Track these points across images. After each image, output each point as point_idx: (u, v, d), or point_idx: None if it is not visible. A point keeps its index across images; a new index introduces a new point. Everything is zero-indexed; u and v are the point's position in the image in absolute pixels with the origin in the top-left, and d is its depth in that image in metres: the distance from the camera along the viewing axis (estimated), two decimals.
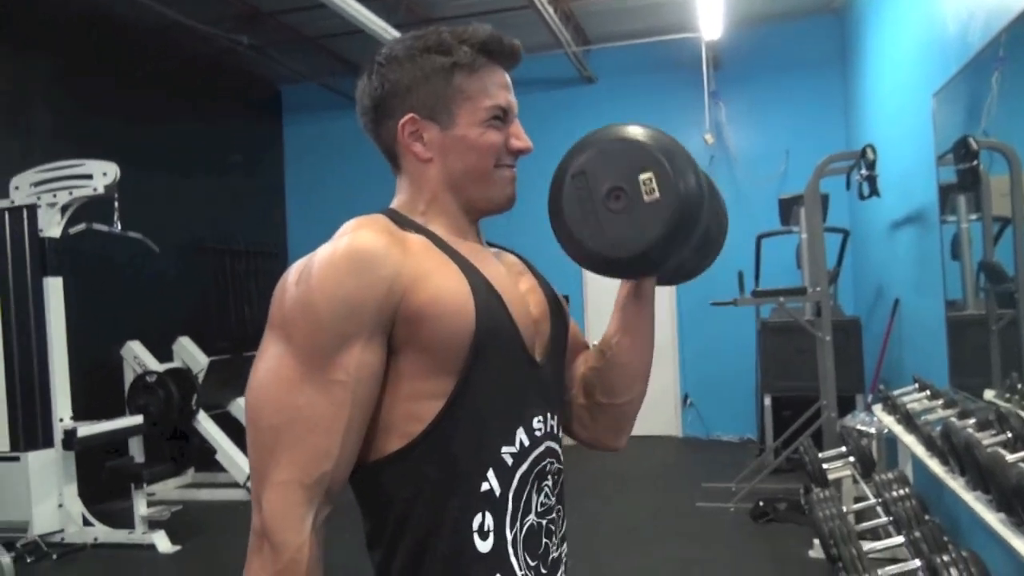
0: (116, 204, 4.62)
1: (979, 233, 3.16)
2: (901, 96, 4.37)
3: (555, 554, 0.97)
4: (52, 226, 4.51)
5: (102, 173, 4.46)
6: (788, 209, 5.49)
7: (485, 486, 0.89)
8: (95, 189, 4.47)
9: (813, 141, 6.23)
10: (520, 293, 1.00)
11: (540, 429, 0.95)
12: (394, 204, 1.01)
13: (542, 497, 0.95)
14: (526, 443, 0.93)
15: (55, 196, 4.50)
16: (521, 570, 0.91)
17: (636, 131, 0.96)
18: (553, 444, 0.98)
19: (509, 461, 0.91)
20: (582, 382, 1.09)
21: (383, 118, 0.98)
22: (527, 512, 0.93)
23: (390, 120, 0.97)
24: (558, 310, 1.05)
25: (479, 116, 0.96)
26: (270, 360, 0.86)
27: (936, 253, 3.59)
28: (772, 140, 6.68)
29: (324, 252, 0.87)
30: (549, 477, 0.96)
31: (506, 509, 0.90)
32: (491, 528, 0.89)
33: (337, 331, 0.84)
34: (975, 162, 2.94)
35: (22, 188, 4.53)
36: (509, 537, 0.90)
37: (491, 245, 1.08)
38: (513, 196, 1.02)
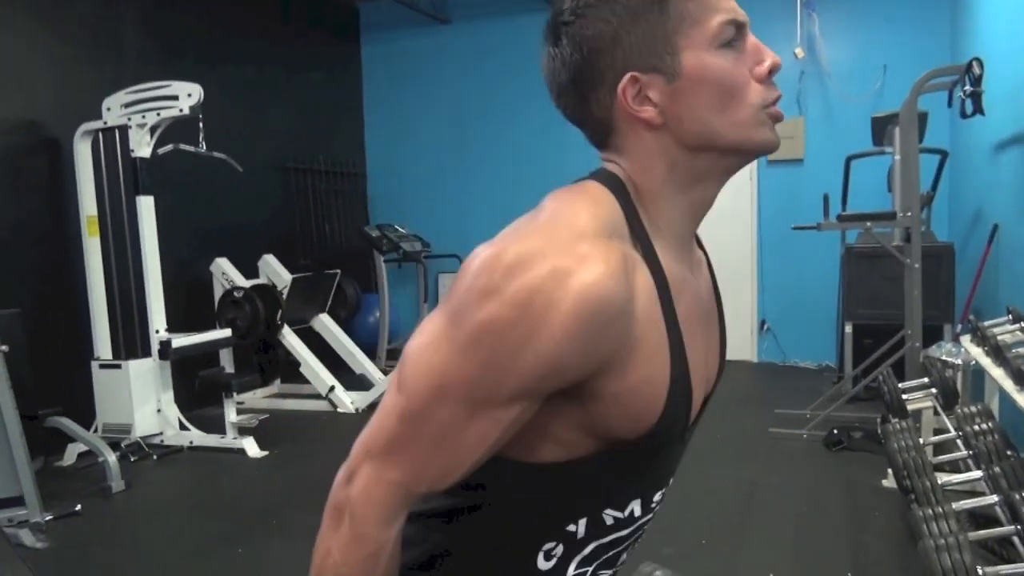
0: (201, 125, 4.74)
1: None
2: (1015, 5, 4.01)
3: None
4: (142, 146, 4.68)
5: (187, 94, 4.57)
6: (882, 128, 5.18)
7: (571, 527, 0.81)
8: (181, 110, 4.59)
9: (914, 55, 5.82)
10: (706, 362, 0.84)
11: (656, 501, 0.87)
12: (619, 172, 0.79)
13: (623, 556, 0.89)
14: (636, 514, 0.84)
15: (144, 117, 4.64)
16: None
17: None
18: (650, 517, 0.88)
19: (609, 521, 0.83)
20: None
21: (590, 90, 0.77)
22: (607, 567, 0.87)
23: (599, 89, 0.76)
24: (723, 351, 0.92)
25: (711, 38, 0.75)
26: (440, 350, 0.69)
27: None
28: (868, 54, 6.27)
29: (539, 268, 0.65)
30: (632, 545, 0.89)
31: (582, 550, 0.83)
32: (558, 555, 0.82)
33: (524, 387, 0.68)
34: None
35: (113, 109, 4.69)
36: (571, 572, 0.84)
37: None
38: (778, 136, 0.81)
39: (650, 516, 0.87)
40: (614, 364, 0.69)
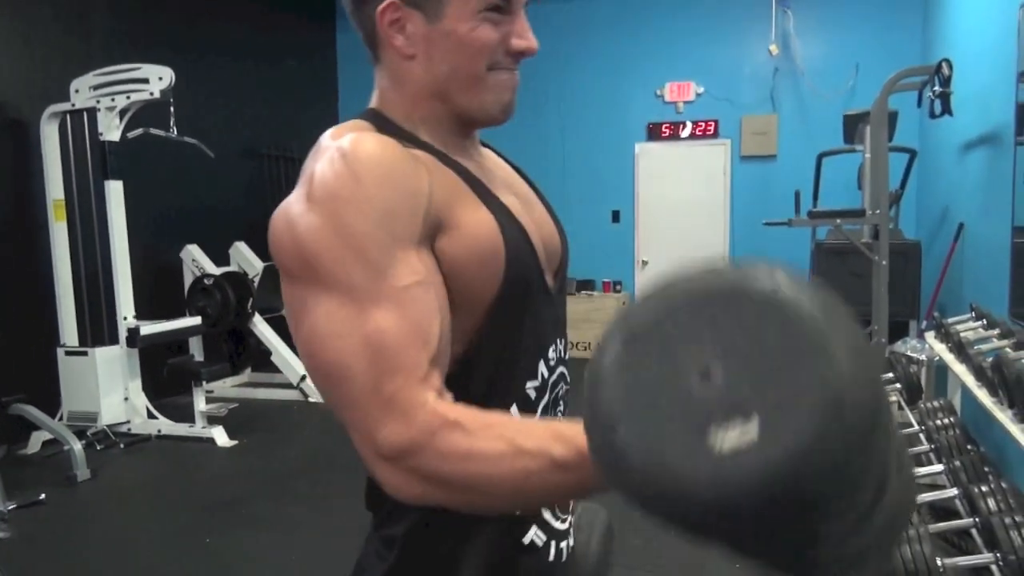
0: (172, 109, 4.67)
1: None
2: (985, 8, 4.08)
3: None
4: (111, 130, 4.60)
5: (158, 77, 4.50)
6: (853, 126, 5.25)
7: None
8: (151, 93, 4.51)
9: (885, 55, 5.90)
10: (532, 218, 0.89)
11: (554, 357, 0.90)
12: (374, 104, 0.87)
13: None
14: (546, 374, 0.88)
15: (113, 100, 4.56)
16: None
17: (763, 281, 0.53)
18: (564, 369, 0.93)
19: (533, 395, 0.86)
20: None
21: (364, 2, 0.83)
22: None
23: (368, 4, 0.82)
24: (563, 233, 0.97)
25: (472, 6, 0.79)
26: (316, 313, 0.71)
27: (1008, 176, 3.41)
28: (842, 52, 6.34)
29: (328, 166, 0.73)
30: (561, 401, 0.93)
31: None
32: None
33: (386, 237, 0.71)
34: None
35: (82, 91, 4.60)
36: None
37: (484, 146, 0.96)
38: (511, 105, 0.86)
39: (556, 375, 0.90)
40: (439, 211, 0.75)
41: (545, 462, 0.66)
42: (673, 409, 0.50)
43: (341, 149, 0.74)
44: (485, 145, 0.96)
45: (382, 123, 0.83)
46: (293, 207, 0.74)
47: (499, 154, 1.00)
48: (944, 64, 3.88)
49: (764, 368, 0.48)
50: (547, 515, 0.89)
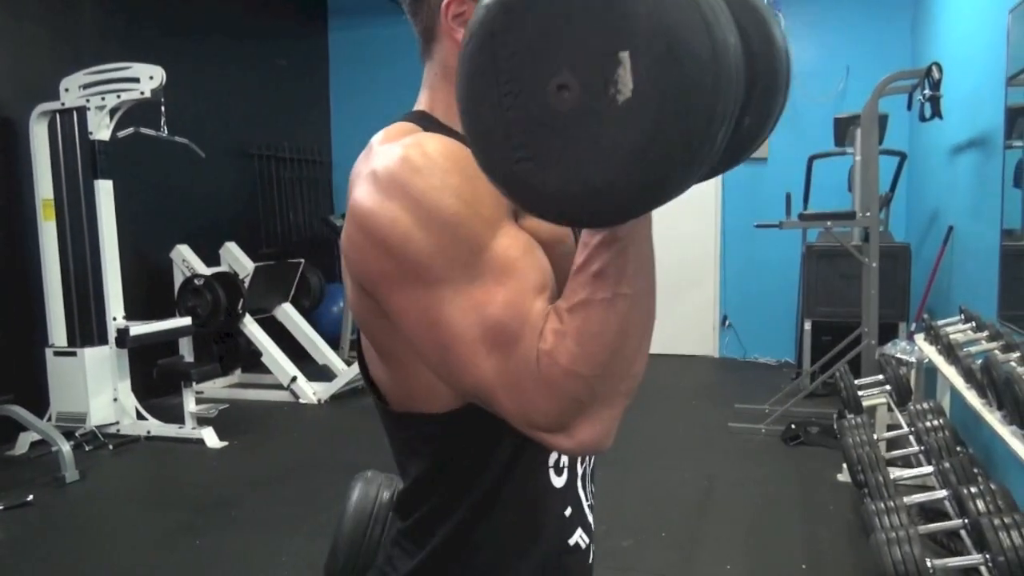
0: (163, 108, 4.65)
1: None
2: (974, 11, 4.11)
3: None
4: (101, 129, 4.57)
5: (148, 77, 4.47)
6: (843, 129, 5.28)
7: None
8: (142, 93, 4.49)
9: (876, 58, 5.93)
10: None
11: None
12: (423, 105, 0.85)
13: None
14: None
15: (103, 99, 4.54)
16: (587, 500, 0.91)
17: None
18: None
19: None
20: None
21: None
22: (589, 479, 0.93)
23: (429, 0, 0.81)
24: None
25: None
26: (418, 313, 0.69)
27: (997, 179, 3.43)
28: (832, 55, 6.37)
29: (391, 167, 0.69)
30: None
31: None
32: (565, 465, 0.86)
33: (479, 216, 0.68)
34: None
35: (72, 90, 4.57)
36: (580, 471, 0.89)
37: None
38: None
39: None
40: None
41: (636, 286, 0.66)
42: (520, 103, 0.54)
43: (404, 145, 0.71)
44: None
45: (430, 125, 0.81)
46: (368, 214, 0.69)
47: None
48: (934, 67, 3.90)
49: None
50: (590, 518, 0.91)
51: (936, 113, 3.92)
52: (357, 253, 0.72)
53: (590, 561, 0.92)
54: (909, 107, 4.30)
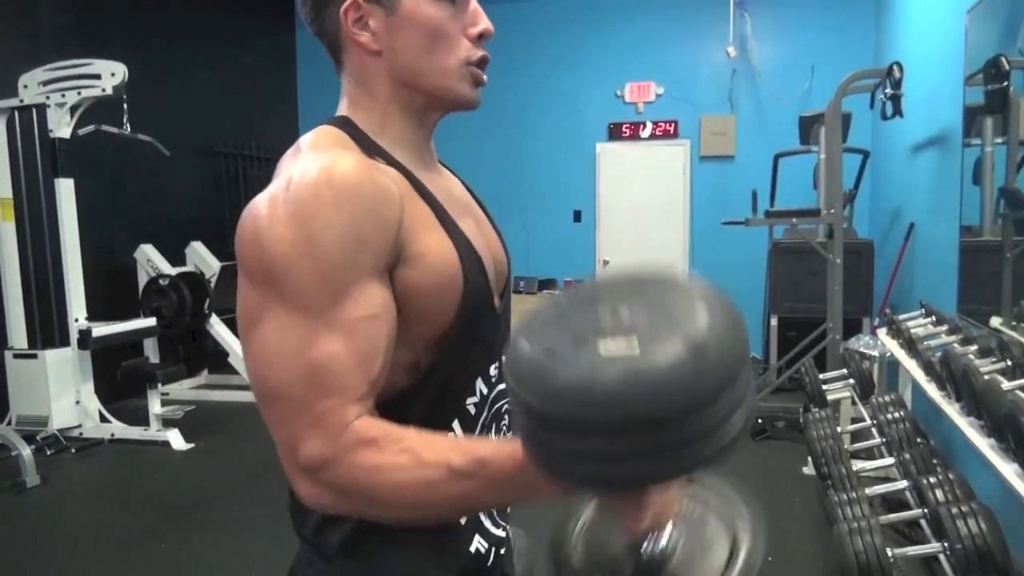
0: (125, 106, 4.57)
1: (1003, 157, 3.07)
2: (933, 11, 4.18)
3: None
4: (61, 126, 4.48)
5: (110, 73, 4.39)
6: (808, 128, 5.36)
7: (451, 436, 0.86)
8: (103, 90, 4.41)
9: (840, 57, 6.02)
10: (485, 241, 0.92)
11: (495, 375, 0.92)
12: (345, 111, 0.89)
13: (498, 436, 0.95)
14: (485, 391, 0.90)
15: (64, 96, 4.45)
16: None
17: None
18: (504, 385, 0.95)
19: (472, 411, 0.88)
20: None
21: (322, 6, 0.86)
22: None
23: (329, 7, 0.85)
24: (505, 248, 1.00)
25: None
26: (270, 323, 0.73)
27: (956, 177, 3.50)
28: (798, 55, 6.45)
29: (305, 180, 0.73)
30: (505, 416, 0.95)
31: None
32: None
33: (352, 264, 0.72)
34: (1005, 83, 2.83)
35: (30, 87, 4.47)
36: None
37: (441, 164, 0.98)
38: (478, 95, 0.89)
39: (496, 392, 0.92)
40: (401, 230, 0.76)
41: (444, 472, 0.70)
42: (575, 327, 0.62)
43: (322, 166, 0.75)
44: (442, 165, 0.99)
45: (355, 133, 0.85)
46: (264, 212, 0.74)
47: (454, 174, 1.02)
48: (895, 67, 3.97)
49: (656, 315, 0.61)
50: (487, 523, 0.92)
51: (897, 112, 3.99)
52: (243, 245, 0.76)
53: (489, 564, 0.93)
54: (872, 106, 4.37)
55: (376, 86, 0.87)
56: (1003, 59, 2.80)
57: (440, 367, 0.83)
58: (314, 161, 0.75)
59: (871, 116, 5.06)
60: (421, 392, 0.83)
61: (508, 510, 0.98)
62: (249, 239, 0.75)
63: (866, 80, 4.37)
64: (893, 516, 2.22)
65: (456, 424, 0.87)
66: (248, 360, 0.76)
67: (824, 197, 4.70)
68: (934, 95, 4.02)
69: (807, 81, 6.35)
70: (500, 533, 0.95)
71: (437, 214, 0.83)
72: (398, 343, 0.78)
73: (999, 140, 3.13)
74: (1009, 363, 2.27)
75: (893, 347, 3.26)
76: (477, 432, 0.89)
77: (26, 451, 3.83)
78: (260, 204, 0.75)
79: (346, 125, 0.86)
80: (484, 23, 0.88)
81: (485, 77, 0.89)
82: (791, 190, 5.68)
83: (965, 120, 3.45)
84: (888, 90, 4.02)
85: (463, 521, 0.88)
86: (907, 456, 2.44)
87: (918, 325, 3.25)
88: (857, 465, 2.64)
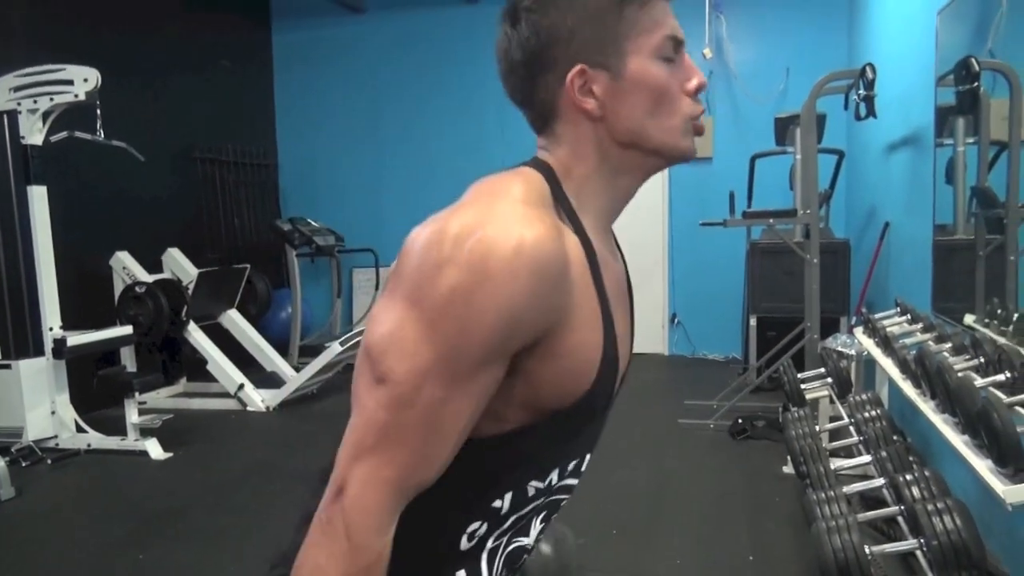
0: (98, 112, 4.52)
1: (975, 157, 3.11)
2: (905, 13, 4.24)
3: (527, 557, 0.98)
4: (34, 133, 4.42)
5: (83, 79, 4.34)
6: (784, 129, 5.41)
7: (497, 503, 0.85)
8: (76, 96, 4.35)
9: (815, 59, 6.08)
10: (625, 348, 0.90)
11: (570, 470, 0.91)
12: (550, 160, 0.86)
13: (539, 523, 0.94)
14: (554, 482, 0.89)
15: (36, 102, 4.39)
16: (490, 572, 0.90)
17: None
18: (575, 480, 0.94)
19: (531, 492, 0.87)
20: None
21: (540, 73, 0.83)
22: (522, 534, 0.92)
23: (550, 74, 0.83)
24: (633, 336, 0.98)
25: (655, 50, 0.83)
26: (407, 332, 0.71)
27: (929, 176, 3.55)
28: (773, 56, 6.51)
29: (495, 237, 0.70)
30: (556, 509, 0.95)
31: (503, 525, 0.88)
32: (480, 535, 0.87)
33: (493, 347, 0.72)
34: (976, 84, 2.87)
35: (1, 93, 4.40)
36: (490, 545, 0.89)
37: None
38: (695, 147, 0.89)
39: (564, 485, 0.91)
40: (561, 321, 0.74)
41: None
42: None
43: (517, 230, 0.71)
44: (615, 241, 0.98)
45: (556, 189, 0.83)
46: (451, 246, 0.71)
47: (620, 249, 1.00)
48: (868, 68, 4.01)
49: None
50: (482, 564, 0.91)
51: (871, 112, 4.03)
52: (409, 262, 0.73)
53: None
54: (846, 107, 4.41)
55: (588, 149, 0.85)
56: (973, 60, 2.84)
57: (527, 439, 0.81)
58: (516, 217, 0.73)
59: (846, 117, 5.11)
60: (501, 454, 0.81)
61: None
62: (414, 255, 0.73)
63: (840, 81, 4.42)
64: (871, 514, 2.24)
65: (508, 496, 0.85)
66: (372, 346, 0.74)
67: (800, 197, 4.74)
68: (906, 96, 4.07)
69: (782, 82, 6.41)
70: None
71: (602, 307, 0.80)
72: (504, 396, 0.77)
73: (970, 140, 3.18)
74: (982, 360, 2.30)
75: (869, 346, 3.29)
76: (524, 511, 0.88)
77: (0, 463, 3.77)
78: (436, 233, 0.72)
79: (550, 177, 0.84)
80: (699, 77, 0.87)
81: (703, 126, 0.89)
82: (768, 190, 5.73)
83: (937, 120, 3.50)
84: (861, 91, 4.07)
85: (464, 547, 0.87)
86: (883, 454, 2.47)
87: (893, 323, 3.29)
88: (835, 463, 2.66)
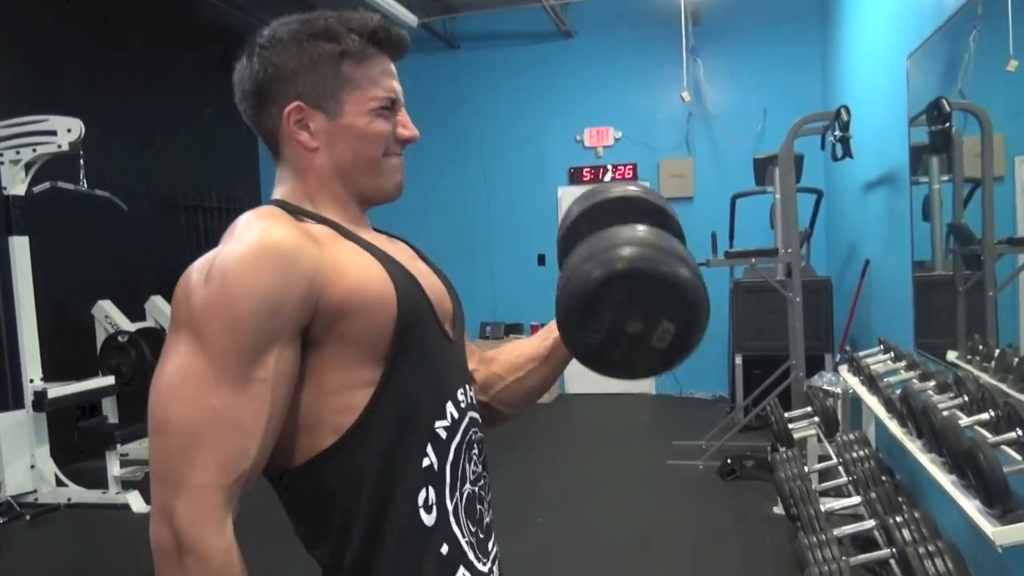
0: (82, 162, 4.52)
1: (950, 194, 3.17)
2: (876, 57, 4.35)
3: (488, 519, 1.02)
4: (16, 184, 4.41)
5: (66, 129, 4.35)
6: (763, 169, 5.49)
7: (426, 461, 0.91)
8: (59, 146, 4.36)
9: (791, 100, 6.21)
10: (425, 273, 1.01)
11: (463, 401, 0.98)
12: (278, 195, 0.98)
13: (472, 465, 0.98)
14: (455, 415, 0.96)
15: (18, 153, 4.39)
16: (464, 537, 0.94)
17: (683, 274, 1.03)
18: (475, 414, 1.01)
19: (443, 435, 0.93)
20: (482, 382, 1.14)
21: (265, 103, 0.96)
22: (463, 482, 0.96)
23: (273, 106, 0.95)
24: (454, 291, 1.07)
25: (368, 105, 0.95)
26: (179, 361, 0.81)
27: (906, 214, 3.61)
28: (750, 98, 6.64)
29: (234, 248, 0.83)
30: (476, 446, 0.99)
31: (445, 481, 0.93)
32: (434, 501, 0.91)
33: (258, 330, 0.80)
34: (948, 124, 2.94)
35: None
36: (450, 507, 0.93)
37: (377, 231, 1.06)
38: (401, 184, 1.01)
39: (468, 419, 0.98)
40: (328, 276, 0.85)
41: None
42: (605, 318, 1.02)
43: (243, 233, 0.85)
44: (381, 231, 1.06)
45: (286, 207, 0.94)
46: (199, 271, 0.83)
47: (399, 238, 1.11)
48: (843, 110, 4.10)
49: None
50: (472, 553, 0.95)
51: (847, 153, 4.11)
52: (177, 294, 0.84)
53: None
54: (822, 147, 4.50)
55: (309, 173, 0.97)
56: (944, 102, 2.91)
57: (399, 387, 0.89)
58: (243, 231, 0.85)
59: (823, 156, 5.21)
60: (386, 410, 0.88)
61: (491, 548, 1.01)
62: (178, 292, 0.84)
63: (816, 123, 4.51)
64: (862, 557, 2.23)
65: (429, 448, 0.91)
66: (153, 390, 0.82)
67: (781, 236, 4.80)
68: (881, 136, 4.15)
69: (760, 122, 6.53)
70: (483, 568, 0.97)
71: (367, 249, 0.92)
72: (350, 364, 0.86)
73: (945, 178, 3.24)
74: (966, 399, 2.32)
75: (855, 384, 3.30)
76: (450, 457, 0.93)
77: None
78: (199, 264, 0.84)
79: (275, 202, 0.96)
80: (412, 131, 0.99)
81: (402, 180, 1.01)
82: (749, 230, 5.79)
83: (912, 159, 3.57)
84: (837, 132, 4.15)
85: (444, 551, 0.91)
86: (873, 495, 2.46)
87: (877, 361, 3.31)
88: (827, 504, 2.65)
